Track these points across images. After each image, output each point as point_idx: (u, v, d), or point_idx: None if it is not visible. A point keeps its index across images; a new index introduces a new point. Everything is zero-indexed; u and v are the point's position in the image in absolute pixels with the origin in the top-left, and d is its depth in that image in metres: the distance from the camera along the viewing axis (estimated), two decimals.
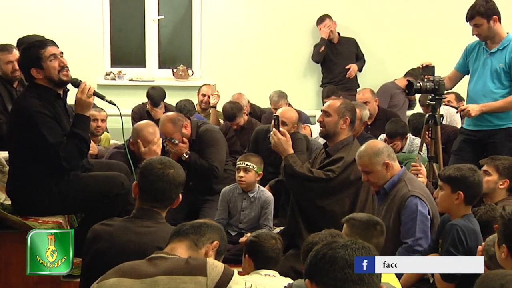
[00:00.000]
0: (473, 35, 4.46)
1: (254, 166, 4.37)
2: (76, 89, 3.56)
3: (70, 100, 3.71)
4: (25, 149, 3.45)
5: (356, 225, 2.92)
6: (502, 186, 3.61)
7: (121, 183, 3.58)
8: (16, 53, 4.80)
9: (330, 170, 3.81)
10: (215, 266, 2.11)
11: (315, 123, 5.54)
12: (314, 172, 3.82)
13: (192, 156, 4.59)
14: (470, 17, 4.37)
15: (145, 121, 4.46)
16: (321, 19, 6.96)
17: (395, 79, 7.01)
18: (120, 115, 3.74)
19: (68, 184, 3.52)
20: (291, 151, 3.90)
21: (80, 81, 3.56)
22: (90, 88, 3.55)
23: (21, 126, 3.44)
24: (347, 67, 6.97)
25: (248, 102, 6.43)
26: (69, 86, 3.61)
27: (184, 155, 4.56)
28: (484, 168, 3.68)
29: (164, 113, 6.24)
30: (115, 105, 3.70)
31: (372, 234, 2.86)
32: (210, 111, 6.37)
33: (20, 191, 3.50)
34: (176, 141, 4.53)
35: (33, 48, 3.48)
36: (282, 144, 3.90)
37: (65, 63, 3.51)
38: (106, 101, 3.72)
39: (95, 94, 3.61)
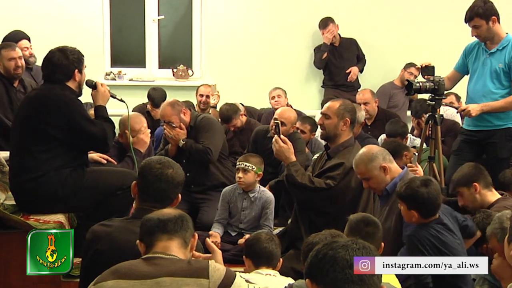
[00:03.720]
0: (472, 36, 4.46)
1: (253, 166, 4.37)
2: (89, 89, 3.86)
3: None
4: (49, 139, 3.51)
5: (349, 224, 2.93)
6: (477, 193, 3.60)
7: (134, 176, 3.59)
8: (18, 51, 4.80)
9: (331, 177, 3.80)
10: (217, 269, 2.11)
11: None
12: (315, 182, 3.81)
13: (188, 142, 4.72)
14: (469, 19, 4.37)
15: (130, 114, 4.56)
16: (324, 24, 6.91)
17: (393, 80, 7.03)
18: (128, 113, 4.08)
19: (83, 175, 3.61)
20: (293, 158, 3.90)
21: (94, 81, 3.88)
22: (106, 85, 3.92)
23: (55, 113, 3.52)
24: (347, 71, 6.96)
25: (244, 109, 6.38)
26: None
27: (181, 141, 4.70)
28: (459, 190, 3.68)
29: None
30: (124, 102, 4.02)
31: (360, 235, 2.82)
32: (210, 112, 6.37)
33: (33, 183, 3.50)
34: (174, 125, 4.69)
35: (79, 54, 3.74)
36: (284, 152, 3.89)
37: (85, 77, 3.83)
38: (117, 99, 4.00)
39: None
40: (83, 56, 3.76)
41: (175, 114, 4.72)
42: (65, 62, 3.65)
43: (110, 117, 3.86)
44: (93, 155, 4.12)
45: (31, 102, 3.67)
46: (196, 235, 2.30)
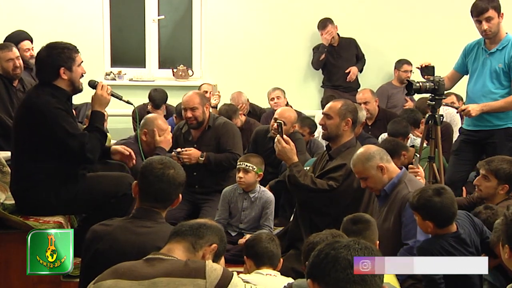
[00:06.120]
0: (482, 30, 4.33)
1: (254, 166, 4.37)
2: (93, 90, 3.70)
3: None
4: (39, 147, 3.44)
5: (342, 223, 2.94)
6: (502, 192, 3.62)
7: (129, 183, 3.53)
8: (16, 51, 4.81)
9: (333, 178, 3.78)
10: (214, 269, 2.10)
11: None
12: (317, 183, 3.79)
13: (210, 156, 4.65)
14: (483, 10, 4.29)
15: (154, 114, 4.53)
16: (323, 25, 6.91)
17: (391, 80, 7.03)
18: (136, 114, 4.06)
19: (76, 184, 3.54)
20: (296, 159, 3.88)
21: (97, 82, 3.71)
22: (108, 87, 3.70)
23: (38, 123, 3.41)
24: (347, 71, 6.96)
25: (248, 100, 6.44)
26: (85, 86, 3.69)
27: (200, 158, 4.63)
28: (482, 172, 3.66)
29: (165, 115, 6.27)
30: (131, 104, 3.92)
31: (348, 232, 2.82)
32: (211, 111, 6.37)
33: (27, 192, 3.48)
34: (196, 113, 4.64)
35: (67, 50, 3.51)
36: (287, 153, 3.87)
37: (85, 72, 3.61)
38: (124, 101, 3.88)
39: (112, 94, 3.73)
40: (75, 51, 3.53)
41: (201, 105, 4.67)
42: (48, 60, 3.47)
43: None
44: (117, 147, 3.99)
45: (19, 111, 3.60)
46: (215, 246, 2.26)
